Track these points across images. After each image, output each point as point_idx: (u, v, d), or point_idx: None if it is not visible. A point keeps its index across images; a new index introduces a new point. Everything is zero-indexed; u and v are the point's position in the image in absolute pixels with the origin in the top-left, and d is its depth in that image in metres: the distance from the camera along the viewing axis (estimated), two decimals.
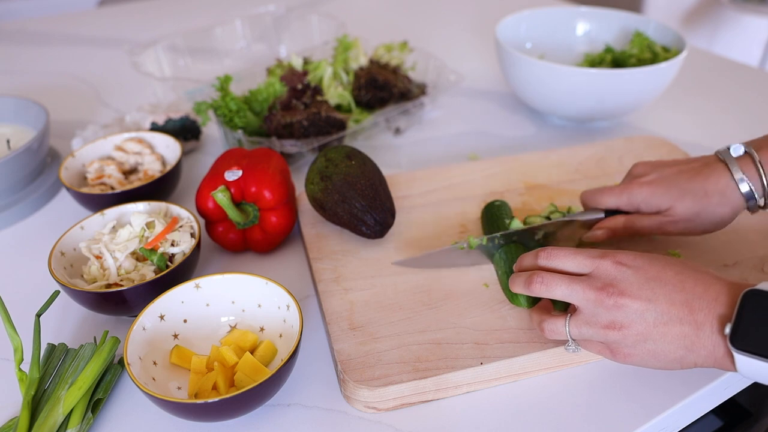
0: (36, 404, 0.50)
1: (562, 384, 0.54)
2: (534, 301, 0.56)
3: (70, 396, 0.50)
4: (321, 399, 0.53)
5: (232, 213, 0.65)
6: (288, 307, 0.54)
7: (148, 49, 1.07)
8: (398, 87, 0.92)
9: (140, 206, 0.67)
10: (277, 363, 0.53)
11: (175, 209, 0.66)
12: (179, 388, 0.52)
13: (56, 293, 0.56)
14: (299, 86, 0.87)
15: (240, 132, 0.81)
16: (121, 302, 0.57)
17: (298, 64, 0.95)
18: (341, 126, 0.83)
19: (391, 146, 0.93)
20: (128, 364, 0.49)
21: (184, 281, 0.57)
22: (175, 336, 0.55)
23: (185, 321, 0.56)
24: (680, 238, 0.67)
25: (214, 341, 0.57)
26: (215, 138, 0.95)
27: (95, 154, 0.79)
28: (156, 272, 0.60)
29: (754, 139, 0.58)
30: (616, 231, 0.62)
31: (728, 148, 0.58)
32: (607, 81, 0.85)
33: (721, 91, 1.08)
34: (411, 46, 1.05)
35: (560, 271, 0.51)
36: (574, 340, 0.51)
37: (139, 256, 0.62)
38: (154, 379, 0.51)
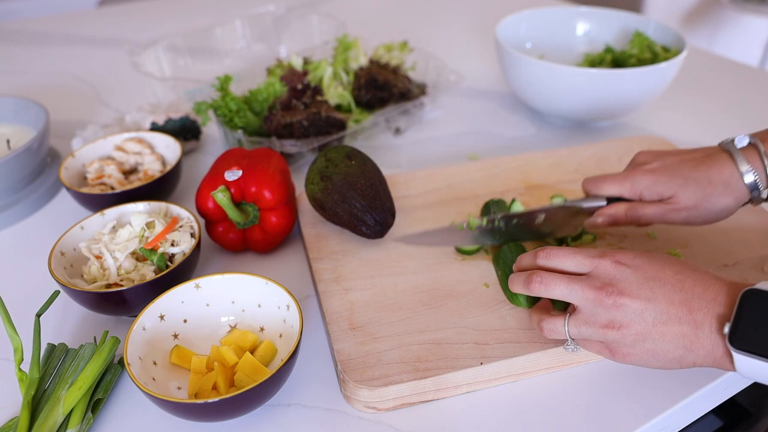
0: (36, 404, 0.50)
1: (562, 384, 0.54)
2: (534, 301, 0.57)
3: (70, 396, 0.50)
4: (321, 399, 0.53)
5: (232, 213, 0.65)
6: (288, 307, 0.54)
7: (148, 49, 1.07)
8: (398, 87, 0.92)
9: (140, 206, 0.67)
10: (277, 363, 0.53)
11: (175, 209, 0.66)
12: (179, 388, 0.52)
13: (56, 293, 0.56)
14: (299, 86, 0.87)
15: (240, 132, 0.81)
16: (121, 302, 0.57)
17: (298, 64, 0.95)
18: (341, 126, 0.83)
19: (391, 146, 0.93)
20: (128, 364, 0.49)
21: (184, 281, 0.57)
22: (175, 336, 0.56)
23: (185, 321, 0.56)
24: (680, 237, 0.67)
25: (214, 341, 0.57)
26: (215, 138, 0.95)
27: (95, 154, 0.79)
28: (156, 272, 0.60)
29: (759, 131, 0.58)
30: (617, 218, 0.62)
31: (733, 140, 0.58)
32: (607, 81, 0.85)
33: (721, 91, 1.08)
34: (411, 46, 1.05)
35: (559, 271, 0.51)
36: (573, 339, 0.51)
37: (139, 256, 0.62)
38: (154, 379, 0.51)
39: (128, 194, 0.70)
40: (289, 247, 0.71)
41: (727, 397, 0.57)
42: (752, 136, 0.57)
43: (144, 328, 0.53)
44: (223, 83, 0.83)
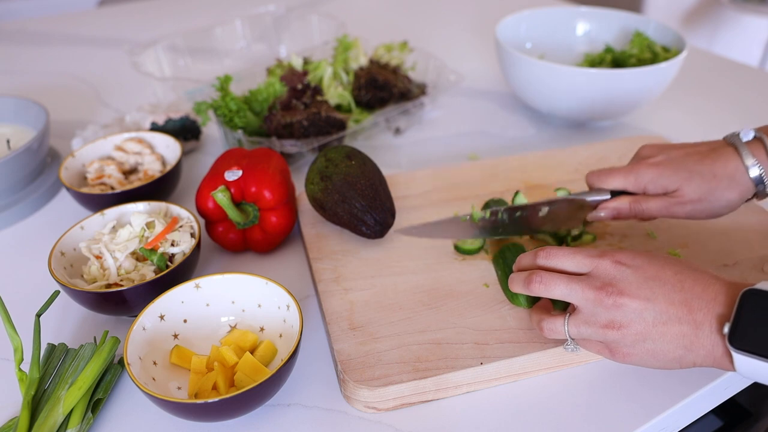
0: (36, 404, 0.50)
1: (562, 384, 0.54)
2: (534, 301, 0.57)
3: (70, 396, 0.50)
4: (321, 399, 0.53)
5: (232, 213, 0.65)
6: (288, 307, 0.54)
7: (148, 49, 1.07)
8: (398, 87, 0.92)
9: (140, 206, 0.67)
10: (277, 363, 0.53)
11: (175, 209, 0.66)
12: (179, 388, 0.52)
13: (56, 293, 0.56)
14: (299, 86, 0.87)
15: (240, 132, 0.81)
16: (121, 302, 0.57)
17: (298, 64, 0.95)
18: (341, 126, 0.83)
19: (391, 146, 0.93)
20: (128, 364, 0.49)
21: (184, 281, 0.57)
22: (175, 336, 0.56)
23: (185, 321, 0.56)
24: (680, 237, 0.67)
25: (214, 341, 0.57)
26: (215, 138, 0.95)
27: (95, 154, 0.79)
28: (156, 272, 0.60)
29: (763, 126, 0.58)
30: (621, 212, 0.61)
31: (738, 133, 0.57)
32: (607, 81, 0.85)
33: (721, 91, 1.08)
34: (411, 46, 1.05)
35: (559, 271, 0.51)
36: (573, 339, 0.51)
37: (139, 256, 0.62)
38: (154, 379, 0.51)
39: (128, 194, 0.70)
40: (289, 247, 0.71)
41: (727, 397, 0.57)
42: (757, 130, 0.57)
43: (144, 328, 0.53)
44: (223, 83, 0.83)
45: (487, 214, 0.62)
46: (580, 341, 0.51)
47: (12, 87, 1.15)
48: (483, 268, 0.63)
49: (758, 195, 0.57)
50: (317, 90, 0.88)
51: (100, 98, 1.10)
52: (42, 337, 0.59)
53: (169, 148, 0.79)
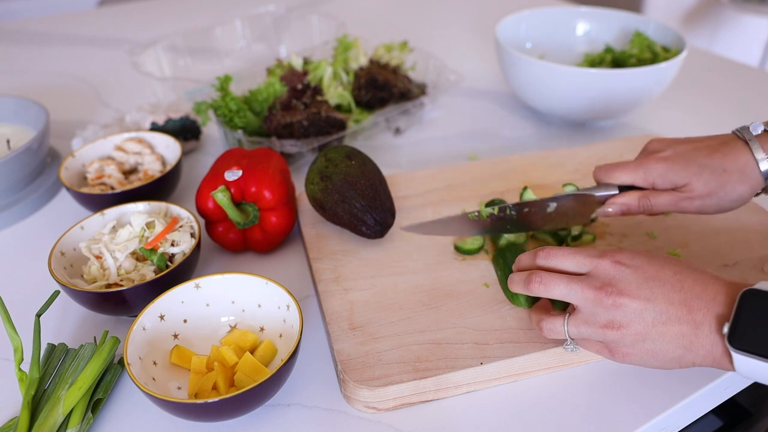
0: (36, 404, 0.50)
1: (562, 384, 0.54)
2: (534, 301, 0.56)
3: (70, 396, 0.50)
4: (321, 399, 0.53)
5: (232, 213, 0.65)
6: (288, 307, 0.54)
7: (148, 49, 1.07)
8: (398, 87, 0.92)
9: (140, 206, 0.67)
10: (277, 363, 0.53)
11: (175, 209, 0.66)
12: (179, 388, 0.52)
13: (56, 293, 0.56)
14: (299, 86, 0.87)
15: (240, 132, 0.81)
16: (121, 302, 0.57)
17: (298, 64, 0.95)
18: (341, 126, 0.83)
19: (391, 146, 0.93)
20: (128, 364, 0.49)
21: (184, 281, 0.57)
22: (175, 336, 0.56)
23: (185, 321, 0.56)
24: (680, 237, 0.67)
25: (214, 341, 0.57)
26: (215, 138, 0.95)
27: (95, 154, 0.79)
28: (156, 272, 0.60)
29: None
30: (630, 207, 0.61)
31: (747, 127, 0.57)
32: (607, 81, 0.85)
33: (721, 91, 1.08)
34: (411, 46, 1.05)
35: (559, 271, 0.50)
36: (572, 339, 0.51)
37: (139, 256, 0.62)
38: (154, 379, 0.51)
39: (128, 194, 0.70)
40: (289, 247, 0.71)
41: (727, 397, 0.57)
42: (766, 123, 0.57)
43: (144, 328, 0.53)
44: (223, 83, 0.83)
45: (496, 210, 0.62)
46: (580, 341, 0.51)
47: (12, 87, 1.15)
48: (483, 268, 0.63)
49: (767, 189, 0.57)
50: (317, 90, 0.88)
51: (100, 98, 1.10)
52: (42, 337, 0.59)
53: (169, 148, 0.79)
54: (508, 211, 0.62)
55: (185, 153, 0.91)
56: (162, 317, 0.55)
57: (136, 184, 0.75)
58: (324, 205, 0.66)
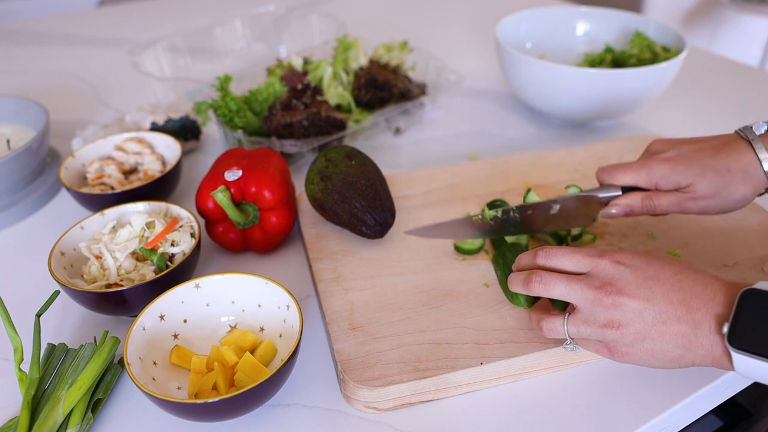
0: (36, 404, 0.50)
1: (562, 384, 0.54)
2: (534, 301, 0.56)
3: (70, 396, 0.50)
4: (321, 399, 0.53)
5: (232, 213, 0.65)
6: (288, 307, 0.54)
7: (148, 49, 1.07)
8: (398, 87, 0.92)
9: (140, 206, 0.67)
10: (277, 363, 0.53)
11: (175, 209, 0.66)
12: (179, 388, 0.52)
13: (56, 293, 0.56)
14: (299, 86, 0.87)
15: (240, 132, 0.81)
16: (121, 302, 0.57)
17: (298, 64, 0.95)
18: (341, 126, 0.83)
19: (391, 146, 0.93)
20: (128, 364, 0.49)
21: (184, 281, 0.57)
22: (175, 336, 0.56)
23: (185, 321, 0.56)
24: (680, 237, 0.67)
25: (214, 341, 0.57)
26: (215, 138, 0.95)
27: (95, 154, 0.79)
28: (156, 272, 0.60)
29: None
30: (633, 208, 0.61)
31: (750, 127, 0.57)
32: (607, 81, 0.85)
33: (721, 91, 1.08)
34: (411, 46, 1.05)
35: (559, 271, 0.50)
36: (572, 339, 0.51)
37: (139, 256, 0.62)
38: (154, 379, 0.51)
39: (128, 194, 0.70)
40: (289, 247, 0.71)
41: (727, 397, 0.57)
42: None
43: (144, 328, 0.53)
44: (223, 83, 0.83)
45: (499, 213, 0.62)
46: (580, 341, 0.51)
47: (12, 87, 1.15)
48: (483, 268, 0.63)
49: None
50: (317, 90, 0.88)
51: (100, 98, 1.10)
52: (42, 337, 0.59)
53: (169, 148, 0.79)
54: (511, 214, 0.62)
55: (185, 153, 0.91)
56: (162, 317, 0.55)
57: (136, 184, 0.75)
58: (324, 205, 0.66)
